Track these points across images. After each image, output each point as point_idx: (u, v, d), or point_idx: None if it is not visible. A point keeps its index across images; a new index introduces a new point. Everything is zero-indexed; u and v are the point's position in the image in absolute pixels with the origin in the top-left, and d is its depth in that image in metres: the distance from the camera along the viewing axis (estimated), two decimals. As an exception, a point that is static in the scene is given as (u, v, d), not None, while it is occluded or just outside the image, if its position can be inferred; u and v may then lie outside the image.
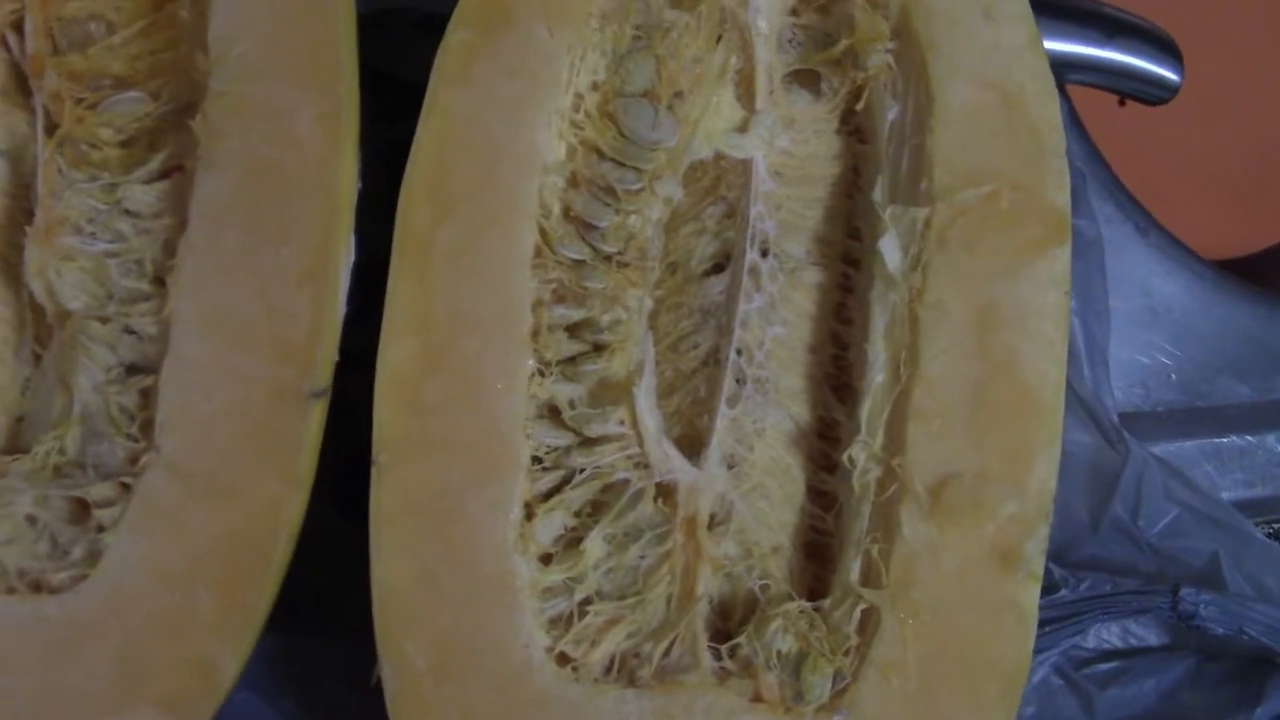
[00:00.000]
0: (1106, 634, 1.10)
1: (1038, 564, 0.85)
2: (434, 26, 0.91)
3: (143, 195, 0.85)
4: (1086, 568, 1.08)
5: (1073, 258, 0.90)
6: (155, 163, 0.85)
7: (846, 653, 0.84)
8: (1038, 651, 1.05)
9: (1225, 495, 1.18)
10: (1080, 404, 1.08)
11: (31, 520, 0.81)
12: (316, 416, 0.81)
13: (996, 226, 0.89)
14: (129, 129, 0.87)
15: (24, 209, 0.88)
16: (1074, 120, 1.20)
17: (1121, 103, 1.53)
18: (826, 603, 0.87)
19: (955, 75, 0.90)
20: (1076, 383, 1.08)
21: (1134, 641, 1.10)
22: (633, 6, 0.92)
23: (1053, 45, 1.15)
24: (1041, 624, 1.05)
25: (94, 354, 0.83)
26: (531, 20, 0.89)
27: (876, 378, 0.88)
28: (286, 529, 0.80)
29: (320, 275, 0.81)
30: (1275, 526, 1.19)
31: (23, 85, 0.89)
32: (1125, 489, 1.07)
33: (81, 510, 0.81)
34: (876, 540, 0.86)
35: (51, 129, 0.86)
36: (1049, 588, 1.07)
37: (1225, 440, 1.19)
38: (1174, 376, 1.20)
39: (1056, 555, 1.08)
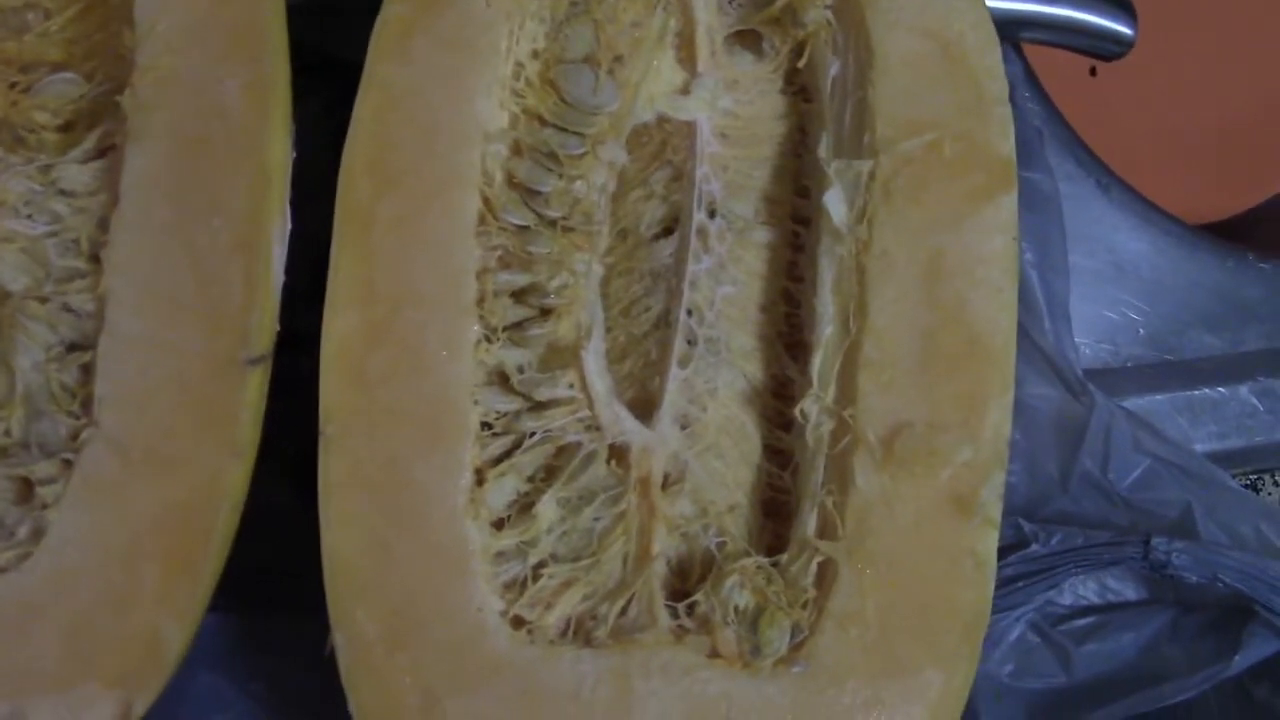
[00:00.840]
0: (1083, 590, 1.09)
1: (994, 510, 0.85)
2: (374, 9, 0.91)
3: (78, 174, 0.85)
4: (1057, 522, 1.07)
5: (1029, 212, 0.90)
6: (90, 142, 0.85)
7: (804, 605, 0.84)
8: (1012, 608, 1.05)
9: (1199, 448, 1.17)
10: (1043, 358, 1.07)
11: (-23, 508, 0.81)
12: (255, 384, 0.81)
13: (940, 176, 0.88)
14: (65, 111, 0.87)
15: (-38, 194, 0.88)
16: (1030, 79, 1.20)
17: (1093, 71, 1.53)
18: (783, 557, 0.86)
19: (894, 27, 0.90)
20: (1038, 337, 1.07)
21: (1111, 597, 1.09)
22: (569, -28, 0.92)
23: (1005, 4, 1.15)
24: (1014, 579, 1.05)
25: (34, 333, 0.83)
26: (468, -9, 0.89)
27: (826, 331, 0.88)
28: (229, 499, 0.80)
29: (252, 244, 0.81)
30: (1250, 478, 1.18)
31: (-43, 73, 0.89)
32: (1093, 442, 1.07)
33: (27, 489, 0.81)
34: (831, 493, 0.86)
35: (-14, 115, 0.86)
36: (1019, 543, 1.06)
37: (1197, 393, 1.18)
38: (1142, 331, 1.20)
39: (1026, 511, 1.07)
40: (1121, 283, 1.19)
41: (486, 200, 0.88)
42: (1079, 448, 1.07)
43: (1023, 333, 0.93)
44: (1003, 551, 0.91)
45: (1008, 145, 0.90)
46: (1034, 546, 1.04)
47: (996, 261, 0.88)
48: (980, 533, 0.85)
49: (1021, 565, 1.04)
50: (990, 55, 0.91)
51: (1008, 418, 0.86)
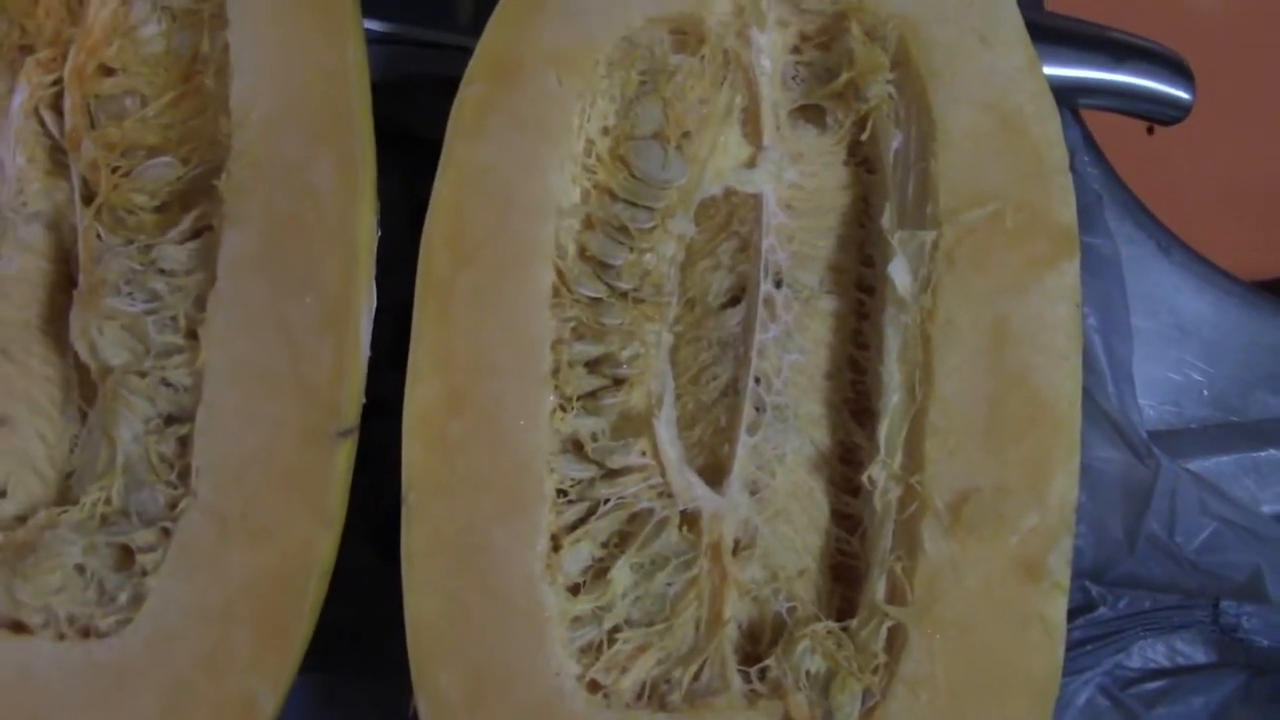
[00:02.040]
0: (1152, 653, 1.09)
1: (1063, 575, 0.86)
2: (451, 87, 0.95)
3: (175, 254, 0.89)
4: (1124, 585, 1.07)
5: (1091, 276, 0.92)
6: (186, 223, 0.89)
7: (875, 671, 0.85)
8: (1081, 671, 1.06)
9: (1266, 509, 1.17)
10: (1107, 421, 1.08)
11: (80, 569, 0.85)
12: (344, 455, 0.84)
13: (1003, 244, 0.90)
14: (162, 193, 0.91)
15: (64, 274, 0.93)
16: (1089, 143, 1.22)
17: (1150, 130, 1.54)
18: (853, 622, 0.88)
19: (955, 101, 0.93)
20: (1102, 400, 1.08)
21: (1181, 660, 1.09)
22: (638, 53, 0.95)
23: (1064, 71, 1.17)
24: (1082, 643, 1.06)
25: (134, 407, 0.86)
26: (541, 71, 0.92)
27: (892, 398, 0.90)
28: (319, 565, 0.83)
29: (342, 320, 0.84)
30: (1320, 539, 1.18)
31: (59, 159, 0.94)
32: (1159, 504, 1.07)
33: (127, 557, 0.85)
34: (900, 558, 0.87)
35: (89, 198, 0.91)
36: (1087, 606, 1.07)
37: (1263, 454, 1.18)
38: (1206, 392, 1.20)
39: (1094, 574, 1.08)
40: (1184, 344, 1.20)
41: (560, 273, 0.91)
42: (1145, 510, 1.07)
43: (1087, 396, 0.95)
44: (1070, 614, 0.93)
45: (1069, 213, 0.92)
46: (1102, 610, 1.05)
47: (1060, 328, 0.89)
48: (1049, 598, 0.86)
49: (1090, 629, 1.05)
50: (1050, 125, 0.93)
51: (1074, 483, 0.87)
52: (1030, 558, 0.86)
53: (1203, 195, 1.53)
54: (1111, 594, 1.06)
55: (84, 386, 0.92)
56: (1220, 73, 1.42)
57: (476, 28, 0.97)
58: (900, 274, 0.91)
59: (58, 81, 0.94)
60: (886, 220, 0.94)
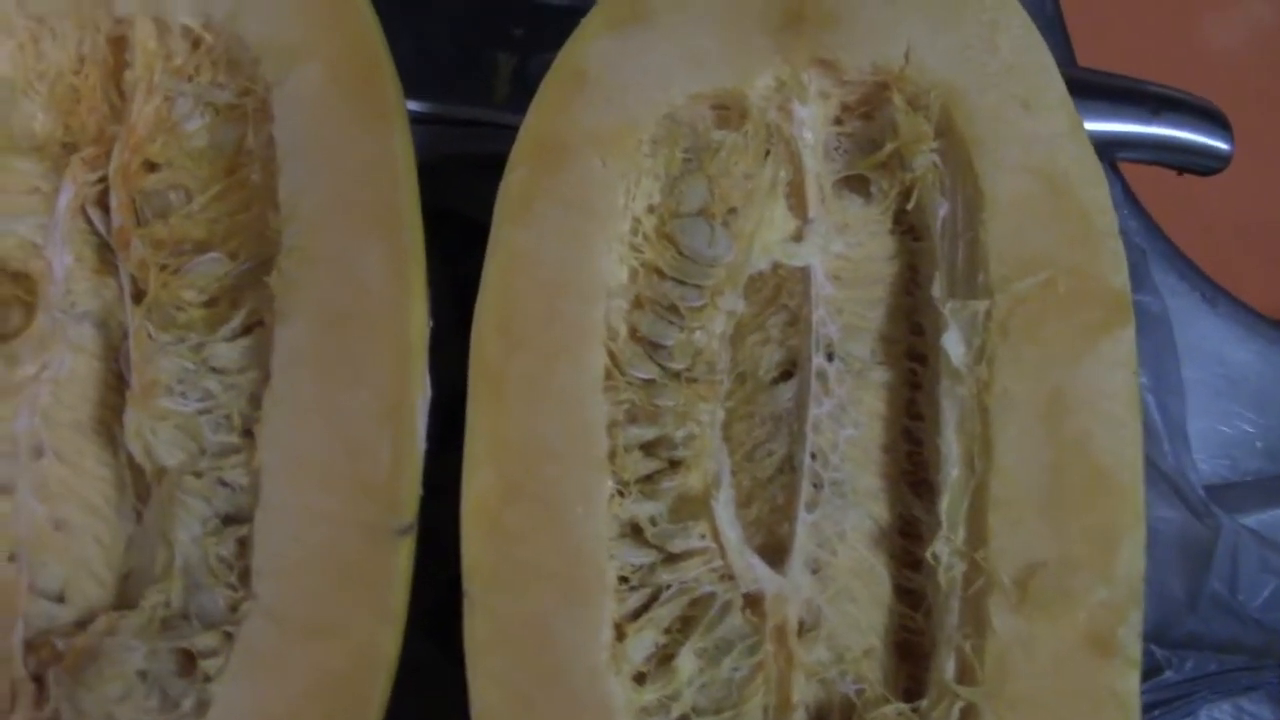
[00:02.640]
0: (1219, 713, 1.08)
1: (1134, 649, 0.85)
2: (490, 165, 0.95)
3: (227, 352, 0.88)
4: (1188, 646, 1.06)
5: (1140, 334, 0.91)
6: (237, 320, 0.89)
7: (949, 753, 0.84)
8: (1148, 736, 1.04)
9: (1326, 561, 1.16)
10: (1164, 480, 1.07)
11: (142, 675, 0.84)
12: (405, 552, 0.83)
13: (1056, 313, 0.90)
14: (211, 289, 0.91)
15: (113, 372, 0.92)
16: (1129, 197, 1.21)
17: (1179, 173, 1.53)
18: (924, 703, 0.87)
19: (1001, 168, 0.92)
20: (1158, 459, 1.07)
21: None
22: (681, 131, 0.95)
23: (1101, 126, 1.17)
24: (1149, 708, 1.04)
25: (191, 508, 0.86)
26: (585, 153, 0.92)
27: (952, 472, 0.89)
28: (385, 664, 0.82)
29: (398, 414, 0.84)
30: (1382, 589, 1.16)
31: (107, 256, 0.93)
32: (1220, 563, 1.06)
33: (189, 661, 0.84)
34: (968, 636, 0.86)
35: (138, 295, 0.91)
36: (1152, 670, 1.05)
37: (1320, 505, 1.17)
38: (1259, 444, 1.19)
39: (1156, 635, 1.07)
40: (1234, 396, 1.19)
41: (612, 355, 0.91)
42: (1206, 569, 1.06)
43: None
44: (1136, 679, 0.91)
45: (1121, 278, 0.91)
46: (1168, 674, 1.04)
47: (1118, 396, 0.88)
48: (1121, 673, 0.85)
49: (1156, 693, 1.04)
50: (1097, 189, 0.93)
51: (1141, 554, 0.86)
52: (1100, 633, 0.85)
53: (1233, 236, 1.52)
54: (1177, 657, 1.05)
55: (137, 485, 0.91)
56: (1248, 115, 1.41)
57: (513, 104, 0.97)
58: (954, 345, 0.90)
59: (102, 179, 0.94)
60: (937, 290, 0.93)
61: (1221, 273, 1.27)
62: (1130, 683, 0.84)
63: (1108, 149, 1.18)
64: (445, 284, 1.00)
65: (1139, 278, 1.12)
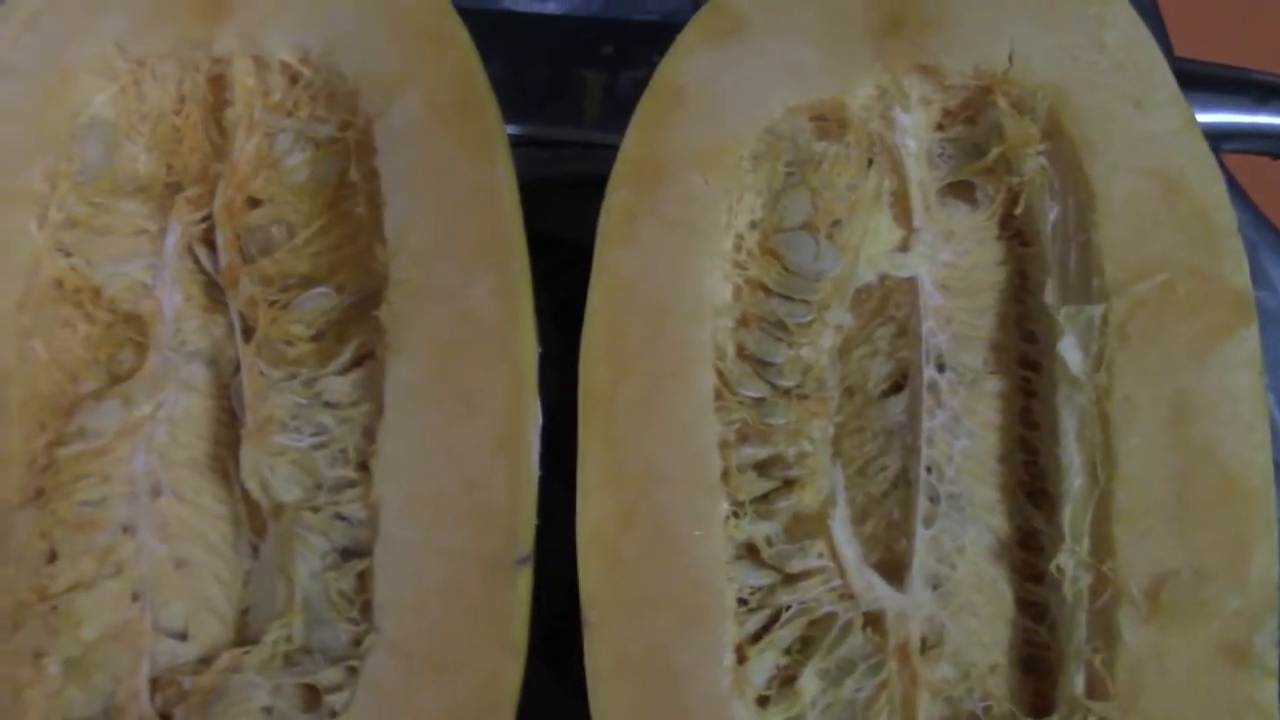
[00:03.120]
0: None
1: (1271, 658, 0.82)
2: (587, 185, 0.94)
3: (339, 386, 0.89)
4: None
5: (1260, 332, 0.88)
6: (347, 353, 0.89)
7: (1083, 770, 0.82)
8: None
9: None
10: (1289, 483, 1.04)
11: (268, 711, 0.84)
12: (523, 583, 0.83)
13: (1177, 315, 0.87)
14: (318, 323, 0.91)
15: (225, 409, 0.93)
16: (1235, 188, 1.18)
17: (1276, 157, 1.49)
18: (1054, 718, 0.85)
19: (1113, 169, 0.90)
20: (1283, 460, 1.04)
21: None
22: (782, 144, 0.94)
23: (1205, 118, 1.14)
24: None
25: (310, 543, 0.86)
26: (686, 172, 0.91)
27: (1074, 481, 0.87)
28: (509, 697, 0.82)
29: (512, 443, 0.84)
30: None
31: (214, 294, 0.94)
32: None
33: (313, 696, 0.84)
34: (1097, 649, 0.84)
35: (248, 333, 0.91)
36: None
37: None
38: (1381, 438, 1.15)
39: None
40: (1353, 389, 1.15)
41: (721, 375, 0.90)
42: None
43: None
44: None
45: (1243, 277, 0.88)
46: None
47: (1244, 398, 0.86)
48: (1259, 684, 0.82)
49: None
50: (1214, 187, 0.90)
51: (1274, 560, 0.84)
52: (1235, 643, 0.83)
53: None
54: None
55: (253, 519, 0.92)
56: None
57: (604, 122, 0.96)
58: (1072, 352, 0.88)
59: (207, 217, 0.94)
60: (1049, 296, 0.91)
61: (1333, 261, 1.22)
62: (1269, 692, 0.82)
63: (1213, 142, 1.14)
64: (545, 307, 1.00)
65: (1254, 274, 1.09)
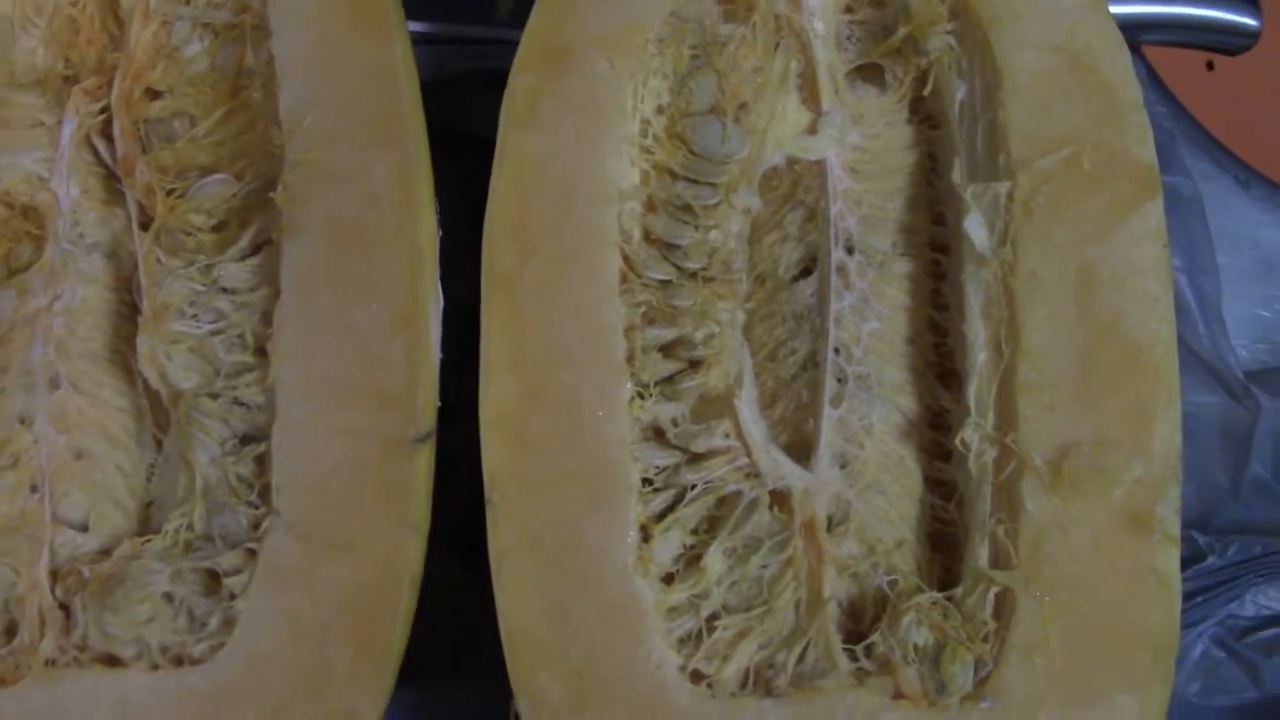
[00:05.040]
0: (1265, 599, 1.06)
1: (1173, 525, 0.83)
2: (499, 82, 0.93)
3: (237, 272, 0.88)
4: (1232, 532, 1.04)
5: (1172, 216, 0.88)
6: (245, 239, 0.88)
7: (985, 639, 0.83)
8: (1193, 624, 1.02)
9: (1373, 441, 1.12)
10: (1201, 364, 1.05)
11: (169, 597, 0.84)
12: (424, 460, 0.82)
13: (1082, 189, 0.87)
14: (219, 212, 0.90)
15: (126, 302, 0.92)
16: (1155, 82, 1.18)
17: (1210, 66, 1.49)
18: (958, 591, 0.85)
19: (1020, 45, 0.90)
20: (1194, 343, 1.05)
21: (1296, 604, 1.06)
22: (687, 27, 0.93)
23: (1127, 9, 1.13)
24: (1193, 594, 1.02)
25: (209, 429, 0.85)
26: (591, 56, 0.90)
27: (979, 357, 0.87)
28: (409, 574, 0.81)
29: (411, 324, 0.83)
30: None
31: (113, 186, 0.93)
32: (1260, 446, 1.04)
33: (214, 581, 0.84)
34: (1001, 521, 0.84)
35: (146, 223, 0.90)
36: (1195, 557, 1.03)
37: (1365, 385, 1.14)
38: (1299, 326, 1.16)
39: (1198, 523, 1.05)
40: (1271, 279, 1.16)
41: (627, 258, 0.89)
42: (1248, 453, 1.04)
43: (1178, 340, 0.91)
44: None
45: (1148, 151, 0.88)
46: (1211, 559, 1.02)
47: (1149, 270, 0.86)
48: (1161, 550, 0.83)
49: (1199, 579, 1.02)
50: (1120, 62, 0.90)
51: (1177, 430, 0.84)
52: (1138, 510, 0.83)
53: (1265, 119, 1.48)
54: (1220, 542, 1.03)
55: (156, 413, 0.91)
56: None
57: (518, 20, 0.95)
58: (977, 229, 0.88)
59: (105, 109, 0.93)
60: (957, 175, 0.91)
61: (1254, 156, 1.23)
62: (1171, 560, 0.83)
63: (1133, 32, 1.14)
64: (457, 204, 0.99)
65: (1169, 161, 1.09)
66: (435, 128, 0.93)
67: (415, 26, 1.12)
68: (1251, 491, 1.04)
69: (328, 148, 0.85)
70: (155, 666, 0.82)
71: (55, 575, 0.86)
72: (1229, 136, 1.27)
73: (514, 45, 0.93)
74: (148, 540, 0.85)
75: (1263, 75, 1.46)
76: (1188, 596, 1.02)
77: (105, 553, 0.87)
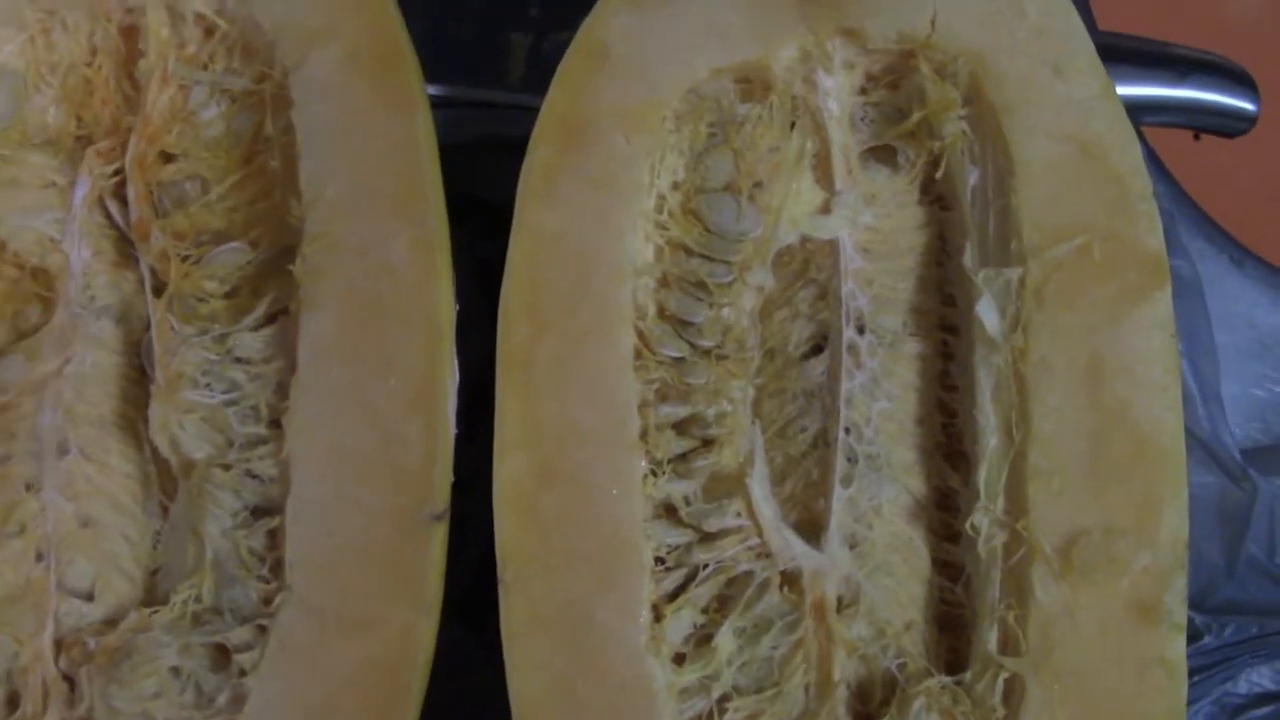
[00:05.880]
0: (1258, 677, 1.07)
1: (1179, 615, 0.84)
2: (510, 147, 0.93)
3: (252, 342, 0.87)
4: (1227, 612, 1.05)
5: (1173, 298, 0.90)
6: (260, 309, 0.88)
7: (994, 725, 0.83)
8: (1191, 703, 1.03)
9: (1364, 523, 1.14)
10: (1199, 445, 1.06)
11: (176, 671, 0.83)
12: (439, 539, 0.82)
13: (1092, 278, 0.88)
14: (232, 279, 0.90)
15: (135, 366, 0.91)
16: (1154, 160, 1.19)
17: (1196, 137, 1.52)
18: (967, 675, 0.85)
19: (1032, 134, 0.91)
20: (1193, 424, 1.06)
21: (1288, 683, 1.07)
22: (705, 105, 0.94)
23: (1126, 90, 1.15)
24: (1190, 673, 1.02)
25: (220, 501, 0.85)
26: (609, 131, 0.91)
27: (990, 441, 0.88)
28: (422, 654, 0.81)
29: (428, 400, 0.83)
30: None
31: (125, 249, 0.92)
32: (1257, 527, 1.05)
33: (223, 656, 0.83)
34: (1011, 606, 0.85)
35: (159, 289, 0.89)
36: (1192, 636, 1.04)
37: (1357, 466, 1.15)
38: (1292, 406, 1.17)
39: (1195, 602, 1.06)
40: (1265, 358, 1.17)
41: (641, 335, 0.89)
42: (1243, 534, 1.05)
43: (1180, 423, 0.92)
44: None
45: (1157, 241, 0.90)
46: (1207, 639, 1.03)
47: (1157, 359, 0.87)
48: (1168, 639, 0.84)
49: (1196, 659, 1.03)
50: (1131, 152, 0.91)
51: (1184, 519, 0.85)
52: (1145, 599, 0.84)
53: (1259, 199, 1.51)
54: (1216, 622, 1.04)
55: (163, 479, 0.90)
56: (1265, 75, 1.39)
57: (529, 85, 0.96)
58: (989, 314, 0.89)
59: (118, 171, 0.92)
60: (968, 259, 0.92)
61: (1248, 236, 1.25)
62: (1177, 648, 0.83)
63: (1134, 113, 1.15)
64: (467, 269, 0.99)
65: (1169, 242, 1.08)
66: (444, 191, 0.93)
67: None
68: (1247, 571, 1.05)
69: (348, 220, 0.85)
70: (171, 740, 0.81)
71: (59, 645, 0.85)
72: (1217, 210, 1.29)
73: (523, 110, 0.94)
74: (155, 611, 0.84)
75: (1247, 146, 1.49)
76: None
77: (110, 623, 0.86)
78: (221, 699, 0.81)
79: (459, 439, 0.89)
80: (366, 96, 0.87)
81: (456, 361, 0.86)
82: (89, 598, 0.87)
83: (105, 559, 0.88)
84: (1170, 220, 1.13)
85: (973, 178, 0.93)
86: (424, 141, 0.87)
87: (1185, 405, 1.06)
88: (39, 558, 0.86)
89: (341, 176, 0.85)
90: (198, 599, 0.84)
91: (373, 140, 0.86)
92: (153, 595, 0.88)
